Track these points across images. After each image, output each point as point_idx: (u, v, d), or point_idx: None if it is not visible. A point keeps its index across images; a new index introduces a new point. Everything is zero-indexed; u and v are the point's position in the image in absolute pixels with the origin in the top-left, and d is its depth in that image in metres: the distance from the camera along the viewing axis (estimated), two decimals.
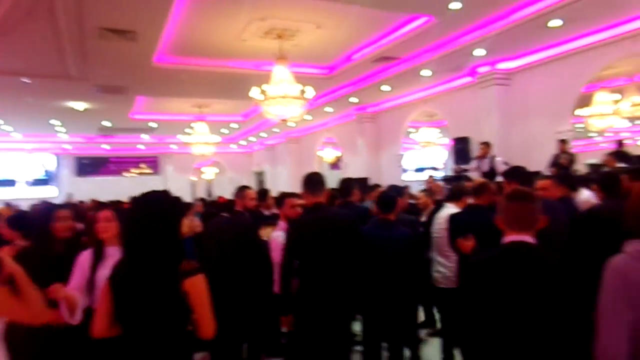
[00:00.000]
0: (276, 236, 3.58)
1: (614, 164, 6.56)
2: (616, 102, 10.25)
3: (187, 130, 15.05)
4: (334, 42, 8.41)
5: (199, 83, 10.11)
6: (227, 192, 18.30)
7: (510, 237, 1.82)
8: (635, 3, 6.36)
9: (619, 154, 7.24)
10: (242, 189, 4.01)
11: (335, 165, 17.40)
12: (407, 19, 7.49)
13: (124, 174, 20.55)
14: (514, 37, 7.55)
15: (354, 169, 13.95)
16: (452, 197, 3.97)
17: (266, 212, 5.37)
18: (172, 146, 19.27)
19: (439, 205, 4.30)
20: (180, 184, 19.54)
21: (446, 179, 9.44)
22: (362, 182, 9.81)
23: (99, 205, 6.40)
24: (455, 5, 6.49)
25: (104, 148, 18.81)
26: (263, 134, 17.78)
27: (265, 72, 8.92)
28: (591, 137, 14.59)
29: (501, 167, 7.95)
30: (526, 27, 7.08)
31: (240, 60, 9.08)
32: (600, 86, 9.80)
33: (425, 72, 9.47)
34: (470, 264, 1.92)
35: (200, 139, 13.16)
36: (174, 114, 14.05)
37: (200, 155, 14.13)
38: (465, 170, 9.16)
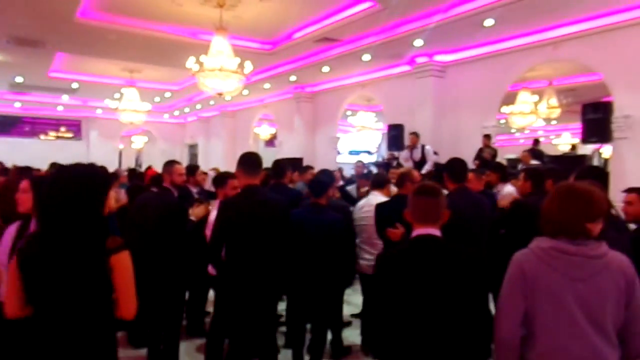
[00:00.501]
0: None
1: (529, 160, 7.10)
2: (536, 103, 11.04)
3: (115, 95, 14.09)
4: (276, 17, 8.20)
5: (130, 45, 9.43)
6: (157, 163, 17.53)
7: (417, 231, 1.91)
8: (558, 12, 6.82)
9: (534, 151, 7.85)
10: (170, 164, 3.82)
11: (270, 142, 17.23)
12: (352, 2, 7.46)
13: (41, 136, 18.89)
14: (451, 31, 7.81)
15: (289, 148, 13.89)
16: (376, 185, 4.04)
17: (194, 189, 5.18)
18: (97, 110, 17.94)
19: None
20: (105, 151, 18.39)
21: (377, 165, 9.69)
22: (296, 162, 9.82)
23: (2, 170, 5.82)
24: None
25: (16, 106, 17.07)
26: (198, 106, 17.09)
27: (203, 42, 8.54)
28: (512, 132, 15.69)
29: (432, 157, 8.31)
30: (463, 23, 7.34)
31: (176, 25, 8.58)
32: (523, 86, 10.48)
33: (366, 57, 9.56)
34: (381, 257, 1.99)
35: (130, 105, 12.37)
36: (100, 76, 13.04)
37: (128, 123, 13.31)
38: (396, 158, 9.46)
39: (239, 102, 15.79)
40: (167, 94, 15.21)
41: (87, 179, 1.76)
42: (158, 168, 11.56)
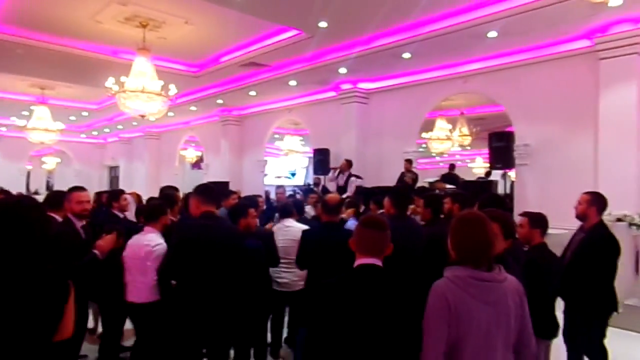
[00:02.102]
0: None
1: (443, 185, 7.60)
2: (451, 130, 11.88)
3: (24, 112, 13.03)
4: (203, 40, 8.14)
5: (41, 61, 8.83)
6: (71, 185, 16.29)
7: (360, 260, 1.93)
8: (466, 50, 7.47)
9: (449, 176, 8.40)
10: (70, 191, 3.51)
11: (196, 165, 16.81)
12: (279, 29, 7.62)
13: None
14: (373, 62, 8.23)
15: (215, 171, 13.64)
16: (284, 214, 4.09)
17: (120, 214, 4.86)
18: (1, 128, 16.42)
19: None
20: (9, 173, 16.77)
21: (301, 189, 9.77)
22: (222, 186, 9.67)
23: None
24: (322, 24, 6.85)
25: None
26: (119, 126, 16.29)
27: (124, 61, 8.25)
28: (434, 156, 16.65)
29: (354, 183, 8.58)
30: (384, 54, 7.79)
31: (94, 43, 8.20)
32: (439, 114, 11.25)
33: (293, 82, 9.76)
34: (322, 286, 1.97)
35: (40, 124, 11.47)
36: (5, 92, 12.01)
37: (38, 143, 12.30)
38: (317, 184, 9.61)
39: (164, 124, 15.29)
40: (85, 113, 14.36)
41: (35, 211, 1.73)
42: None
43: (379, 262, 1.92)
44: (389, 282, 1.88)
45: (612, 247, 3.33)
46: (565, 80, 7.27)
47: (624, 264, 4.82)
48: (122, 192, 4.69)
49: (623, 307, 4.98)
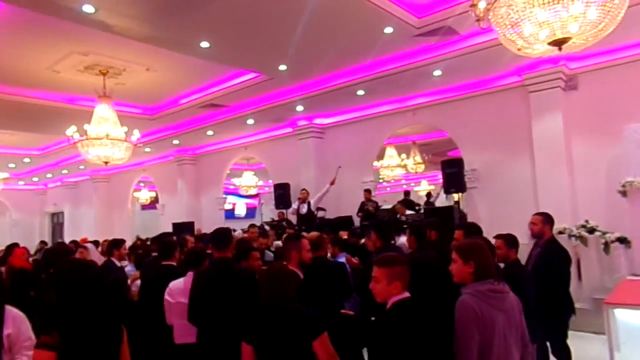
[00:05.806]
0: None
1: (404, 211, 8.10)
2: (402, 158, 12.57)
3: None
4: (162, 85, 8.28)
5: None
6: (7, 236, 15.29)
7: (401, 296, 2.15)
8: (415, 86, 8.18)
9: (407, 202, 8.93)
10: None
11: (150, 205, 16.40)
12: (239, 72, 7.93)
13: None
14: (329, 99, 8.73)
15: (172, 211, 13.44)
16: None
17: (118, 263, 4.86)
18: None
19: None
20: None
21: (269, 225, 9.89)
22: (186, 226, 9.63)
23: None
24: (282, 67, 7.27)
25: None
26: (64, 171, 15.64)
27: (83, 108, 8.20)
28: (381, 182, 17.28)
29: (319, 212, 8.90)
30: (339, 92, 8.32)
31: (50, 92, 8.09)
32: (389, 142, 11.83)
33: (250, 121, 10.04)
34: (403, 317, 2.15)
35: None
36: None
37: None
38: (281, 219, 9.77)
39: (113, 166, 14.87)
40: (27, 159, 13.73)
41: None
42: (8, 240, 10.15)
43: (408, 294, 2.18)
44: (424, 312, 2.14)
45: (565, 258, 3.88)
46: (501, 111, 8.14)
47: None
48: (123, 241, 4.90)
49: None
